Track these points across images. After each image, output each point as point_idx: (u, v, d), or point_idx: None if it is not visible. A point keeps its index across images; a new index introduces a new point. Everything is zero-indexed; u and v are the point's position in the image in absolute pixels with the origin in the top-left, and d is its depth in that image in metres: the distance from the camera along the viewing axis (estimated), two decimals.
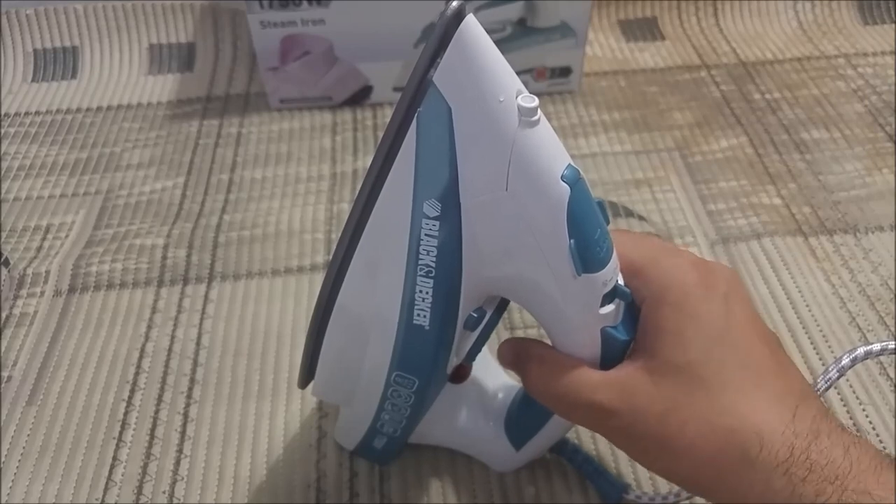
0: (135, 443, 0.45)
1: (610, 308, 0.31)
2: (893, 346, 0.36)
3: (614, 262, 0.31)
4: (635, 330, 0.32)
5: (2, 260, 0.56)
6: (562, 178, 0.28)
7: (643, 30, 0.81)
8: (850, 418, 0.45)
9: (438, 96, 0.27)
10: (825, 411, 0.29)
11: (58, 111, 0.72)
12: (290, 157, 0.66)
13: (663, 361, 0.30)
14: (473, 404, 0.41)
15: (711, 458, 0.28)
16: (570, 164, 0.28)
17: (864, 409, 0.45)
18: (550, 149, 0.28)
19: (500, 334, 0.50)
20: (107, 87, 0.75)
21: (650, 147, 0.66)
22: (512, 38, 0.67)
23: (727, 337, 0.30)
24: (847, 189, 0.61)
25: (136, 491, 0.42)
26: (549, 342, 0.34)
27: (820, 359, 0.48)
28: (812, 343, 0.49)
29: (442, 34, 0.26)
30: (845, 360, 0.35)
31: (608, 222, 0.31)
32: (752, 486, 0.27)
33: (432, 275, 0.30)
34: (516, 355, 0.35)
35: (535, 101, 0.27)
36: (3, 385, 0.48)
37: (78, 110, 0.72)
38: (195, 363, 0.49)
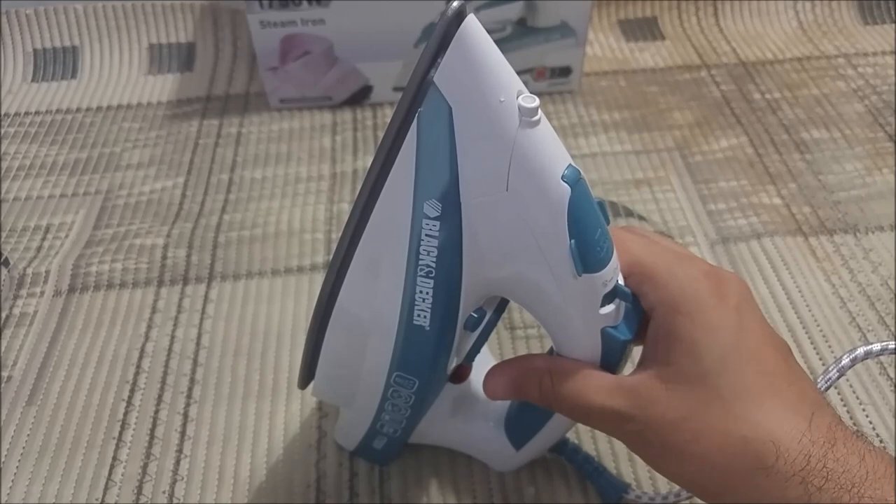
0: (135, 443, 0.45)
1: (610, 308, 0.31)
2: (893, 346, 0.36)
3: (614, 262, 0.31)
4: (635, 330, 0.32)
5: (2, 260, 0.56)
6: (562, 178, 0.28)
7: (643, 30, 0.81)
8: (850, 418, 0.45)
9: (439, 96, 0.27)
10: (839, 419, 0.29)
11: (58, 111, 0.72)
12: (290, 157, 0.66)
13: (678, 371, 0.30)
14: (473, 404, 0.41)
15: (725, 466, 0.28)
16: (570, 165, 0.28)
17: (864, 409, 0.45)
18: (551, 149, 0.28)
19: (500, 334, 0.50)
20: (107, 87, 0.75)
21: (650, 147, 0.66)
22: (512, 37, 0.67)
23: (741, 347, 0.30)
24: (847, 189, 0.61)
25: (136, 491, 0.42)
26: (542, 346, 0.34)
27: (820, 359, 0.48)
28: (812, 343, 0.49)
29: (443, 34, 0.26)
30: (845, 360, 0.35)
31: (608, 222, 0.31)
32: (767, 494, 0.27)
33: (433, 275, 0.30)
34: (517, 377, 0.34)
35: (536, 102, 0.27)
36: (3, 385, 0.48)
37: (78, 110, 0.72)
38: (195, 363, 0.49)
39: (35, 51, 0.77)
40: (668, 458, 0.30)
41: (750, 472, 0.28)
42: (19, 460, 0.44)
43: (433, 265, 0.29)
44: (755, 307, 0.32)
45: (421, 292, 0.30)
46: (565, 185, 0.28)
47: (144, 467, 0.44)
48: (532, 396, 0.34)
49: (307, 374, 0.37)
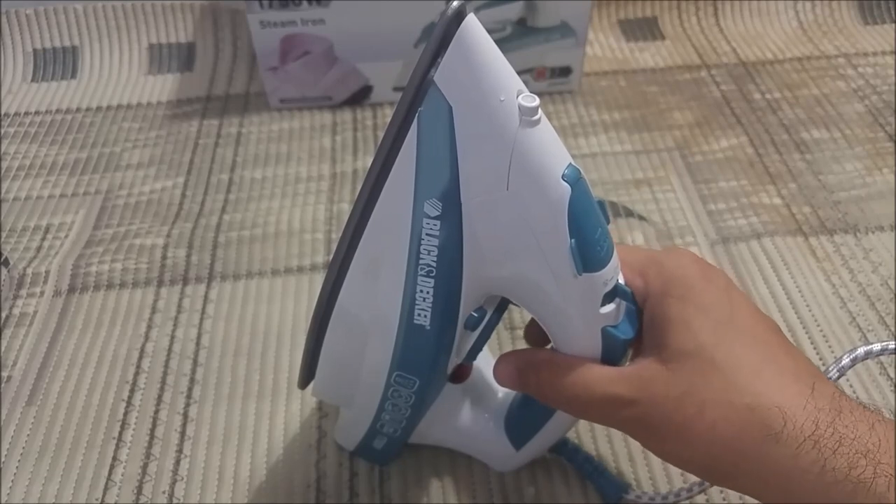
0: (135, 443, 0.45)
1: (610, 307, 0.31)
2: (893, 346, 0.36)
3: (615, 261, 0.31)
4: (636, 329, 0.32)
5: (2, 260, 0.56)
6: (562, 177, 0.28)
7: (643, 30, 0.81)
8: None
9: (439, 96, 0.27)
10: (841, 391, 0.29)
11: (58, 111, 0.72)
12: (290, 157, 0.66)
13: (675, 350, 0.30)
14: (473, 404, 0.41)
15: (733, 438, 0.28)
16: (570, 164, 0.28)
17: None
18: (551, 148, 0.28)
19: (501, 334, 0.50)
20: (107, 87, 0.75)
21: (650, 147, 0.66)
22: (512, 37, 0.67)
23: (734, 321, 0.30)
24: (847, 189, 0.61)
25: (136, 491, 0.42)
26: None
27: (820, 359, 0.48)
28: (812, 343, 0.49)
29: (443, 34, 0.26)
30: (845, 360, 0.35)
31: (608, 222, 0.31)
32: (778, 462, 0.27)
33: (433, 274, 0.30)
34: (519, 367, 0.34)
35: (536, 101, 0.27)
36: (3, 385, 0.48)
37: (78, 110, 0.72)
38: (195, 363, 0.49)
39: (35, 51, 0.77)
40: (674, 439, 0.30)
41: (759, 440, 0.27)
42: (19, 460, 0.44)
43: (434, 264, 0.29)
44: (742, 292, 0.33)
45: (421, 291, 0.30)
46: (565, 184, 0.28)
47: (144, 467, 0.43)
48: (530, 388, 0.34)
49: (307, 374, 0.37)
